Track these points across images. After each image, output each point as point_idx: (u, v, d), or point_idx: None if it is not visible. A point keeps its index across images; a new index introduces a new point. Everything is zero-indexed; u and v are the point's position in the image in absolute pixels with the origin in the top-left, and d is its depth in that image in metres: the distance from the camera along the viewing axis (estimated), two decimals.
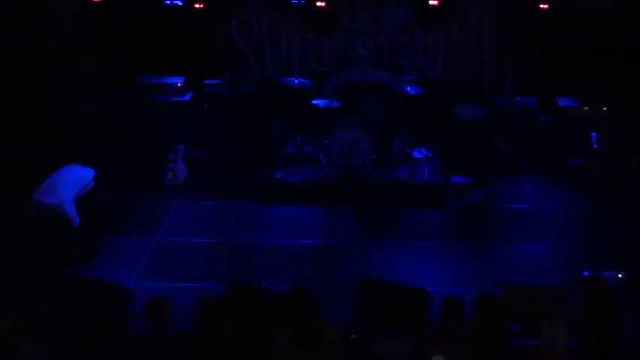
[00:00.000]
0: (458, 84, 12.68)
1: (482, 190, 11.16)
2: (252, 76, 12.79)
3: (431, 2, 11.75)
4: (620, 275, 9.28)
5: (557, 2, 11.51)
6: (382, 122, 11.82)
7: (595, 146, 9.50)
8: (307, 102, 12.03)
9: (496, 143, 11.73)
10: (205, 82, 12.68)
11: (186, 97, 12.54)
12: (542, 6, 11.48)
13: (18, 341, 6.79)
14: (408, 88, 12.00)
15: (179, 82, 12.51)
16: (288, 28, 12.68)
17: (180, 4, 11.96)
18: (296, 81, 12.29)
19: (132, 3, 12.15)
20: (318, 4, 11.80)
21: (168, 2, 12.00)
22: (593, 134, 9.58)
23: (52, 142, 11.62)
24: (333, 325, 7.05)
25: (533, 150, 12.07)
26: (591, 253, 9.31)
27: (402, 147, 11.94)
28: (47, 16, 12.04)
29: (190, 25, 12.27)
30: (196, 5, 11.85)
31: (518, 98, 12.32)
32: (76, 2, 12.03)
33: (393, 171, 11.66)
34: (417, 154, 12.02)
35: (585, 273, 9.29)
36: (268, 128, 12.52)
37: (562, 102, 12.18)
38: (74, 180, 9.97)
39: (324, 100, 12.01)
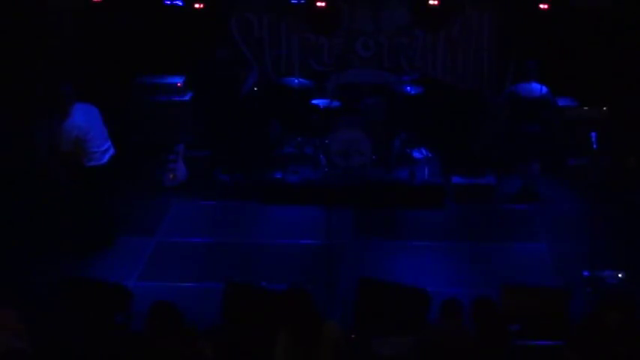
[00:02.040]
0: (458, 84, 12.69)
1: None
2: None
3: (431, 2, 11.73)
4: (620, 275, 9.28)
5: (557, 2, 11.50)
6: (382, 122, 11.82)
7: (595, 146, 9.48)
8: (307, 102, 12.03)
9: (556, 123, 11.51)
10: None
11: (186, 97, 12.53)
12: (542, 6, 11.46)
13: None
14: (408, 88, 11.99)
15: (179, 82, 12.49)
16: (288, 28, 12.69)
17: (181, 4, 11.95)
18: (296, 81, 12.29)
19: (132, 3, 12.15)
20: (318, 4, 11.78)
21: (168, 2, 11.99)
22: (593, 134, 9.56)
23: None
24: (332, 322, 7.05)
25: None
26: (591, 253, 9.31)
27: (402, 147, 11.94)
28: (47, 16, 12.02)
29: (190, 25, 12.26)
30: (196, 5, 11.83)
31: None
32: (77, 2, 12.02)
33: (393, 171, 11.66)
34: (417, 154, 12.02)
35: (585, 273, 9.31)
36: (268, 128, 12.52)
37: (562, 102, 12.17)
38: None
39: (324, 100, 12.01)
